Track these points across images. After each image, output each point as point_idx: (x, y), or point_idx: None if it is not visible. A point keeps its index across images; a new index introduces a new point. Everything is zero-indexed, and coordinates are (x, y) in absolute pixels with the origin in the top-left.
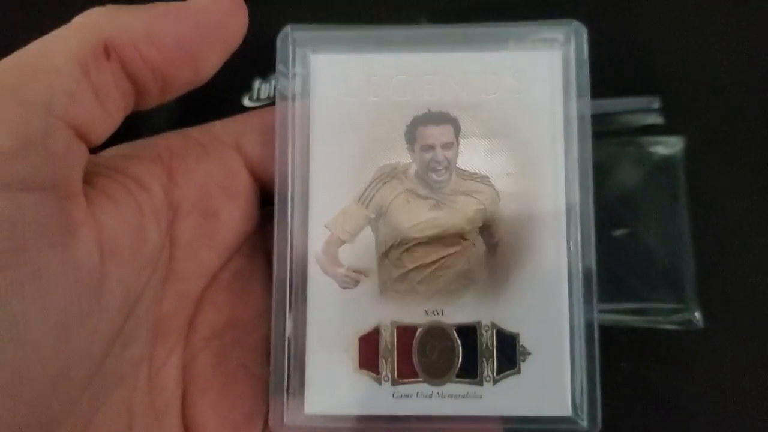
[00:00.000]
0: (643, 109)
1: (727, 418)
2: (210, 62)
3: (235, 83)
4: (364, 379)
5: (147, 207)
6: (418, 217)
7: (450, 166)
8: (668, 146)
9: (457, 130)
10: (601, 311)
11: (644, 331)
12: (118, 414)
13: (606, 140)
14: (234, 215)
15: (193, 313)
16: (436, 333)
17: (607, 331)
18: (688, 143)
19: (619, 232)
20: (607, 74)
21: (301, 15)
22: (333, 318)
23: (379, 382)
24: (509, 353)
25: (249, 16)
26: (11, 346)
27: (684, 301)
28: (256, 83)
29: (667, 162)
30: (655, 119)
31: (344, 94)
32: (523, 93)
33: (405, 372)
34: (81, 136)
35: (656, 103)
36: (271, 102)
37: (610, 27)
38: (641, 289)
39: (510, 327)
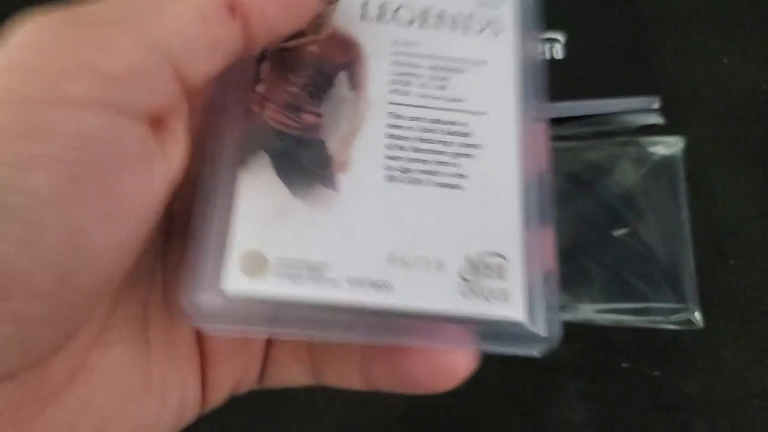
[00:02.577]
0: (643, 109)
1: (726, 418)
2: (310, 9)
3: None
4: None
5: (179, 120)
6: None
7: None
8: (668, 146)
9: None
10: (601, 311)
11: (644, 331)
12: (135, 314)
13: (606, 140)
14: None
15: None
16: None
17: (607, 331)
18: (688, 143)
19: (619, 232)
20: (607, 74)
21: None
22: None
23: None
24: None
25: None
26: (71, 258)
27: (684, 301)
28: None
29: (667, 162)
30: (655, 119)
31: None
32: None
33: None
34: (182, 83)
35: (656, 103)
36: None
37: (610, 27)
38: (641, 288)
39: None
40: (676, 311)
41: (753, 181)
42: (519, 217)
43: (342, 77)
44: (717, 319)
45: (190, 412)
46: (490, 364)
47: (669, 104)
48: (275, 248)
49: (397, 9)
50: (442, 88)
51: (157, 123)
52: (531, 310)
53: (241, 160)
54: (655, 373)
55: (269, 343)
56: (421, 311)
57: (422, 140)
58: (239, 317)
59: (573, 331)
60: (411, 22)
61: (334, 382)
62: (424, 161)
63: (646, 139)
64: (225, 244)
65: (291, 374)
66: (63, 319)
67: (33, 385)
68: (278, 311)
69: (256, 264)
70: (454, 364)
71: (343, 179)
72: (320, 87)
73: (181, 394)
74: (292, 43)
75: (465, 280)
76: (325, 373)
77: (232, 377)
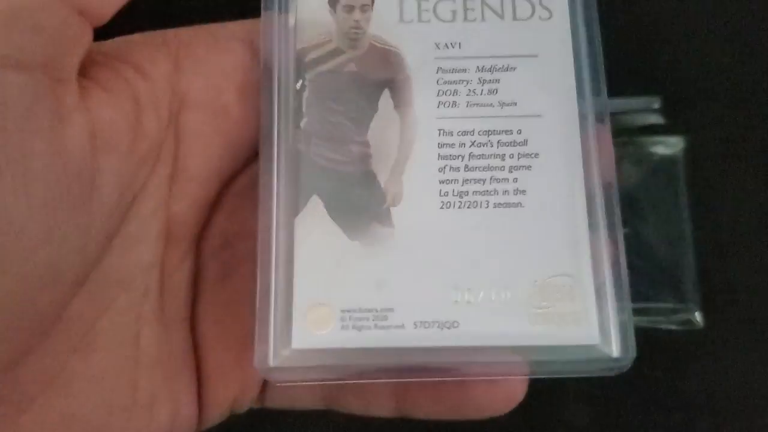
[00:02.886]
0: (643, 109)
1: (727, 418)
2: None
3: None
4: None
5: (145, 97)
6: None
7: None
8: (668, 146)
9: None
10: None
11: (644, 331)
12: (126, 321)
13: None
14: (249, 113)
15: (205, 217)
16: None
17: None
18: (688, 143)
19: None
20: (607, 74)
21: None
22: None
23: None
24: None
25: None
26: None
27: (684, 301)
28: None
29: (667, 162)
30: (656, 119)
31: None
32: None
33: None
34: (82, 12)
35: (656, 103)
36: None
37: (610, 27)
38: (642, 288)
39: None
40: (676, 311)
41: (753, 181)
42: (585, 231)
43: (386, 96)
44: (717, 319)
45: (184, 429)
46: None
47: (669, 104)
48: (339, 299)
49: (438, 0)
50: (492, 92)
51: (66, 72)
52: (604, 332)
53: (295, 209)
54: (655, 373)
55: None
56: (489, 347)
57: (475, 156)
58: (307, 369)
59: None
60: (454, 16)
61: (355, 409)
62: (480, 180)
63: (646, 139)
64: (290, 301)
65: (296, 395)
66: (13, 314)
67: (2, 392)
68: (345, 360)
69: (321, 318)
70: (515, 388)
71: (397, 212)
72: (364, 112)
73: (173, 409)
74: (329, 65)
75: (533, 307)
76: (343, 399)
77: (231, 395)
